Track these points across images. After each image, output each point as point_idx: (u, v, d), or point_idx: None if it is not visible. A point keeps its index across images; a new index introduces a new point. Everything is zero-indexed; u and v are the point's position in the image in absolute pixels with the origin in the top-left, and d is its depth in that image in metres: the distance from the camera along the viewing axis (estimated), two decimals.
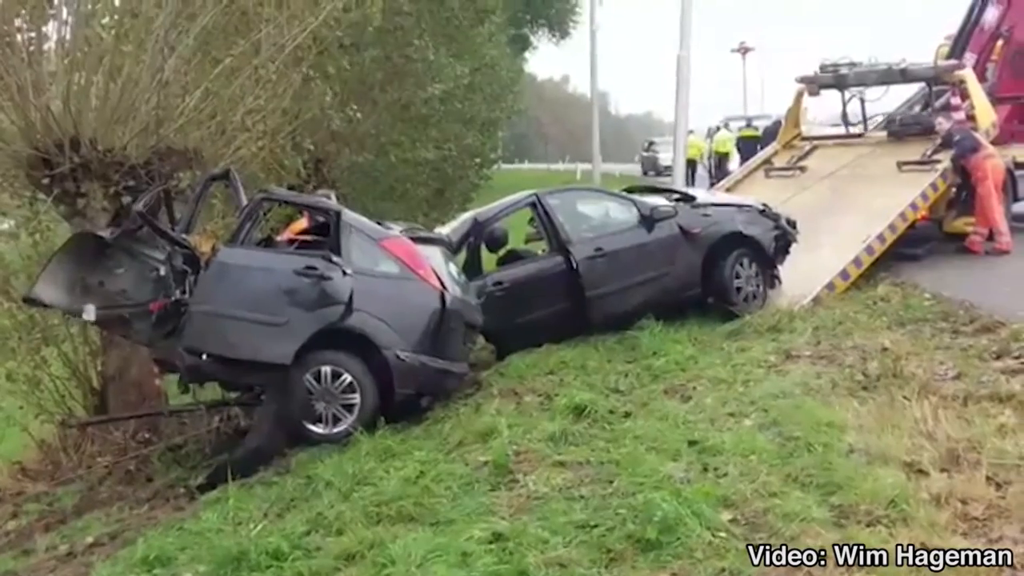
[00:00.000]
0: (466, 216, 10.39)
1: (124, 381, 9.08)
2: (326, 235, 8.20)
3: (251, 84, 9.32)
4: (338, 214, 8.07)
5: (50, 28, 8.75)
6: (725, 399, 7.22)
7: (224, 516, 6.01)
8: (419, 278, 7.98)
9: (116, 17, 8.97)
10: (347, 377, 7.60)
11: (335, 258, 7.74)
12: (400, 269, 7.99)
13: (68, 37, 8.63)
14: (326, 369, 7.58)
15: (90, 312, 7.88)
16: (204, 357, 7.41)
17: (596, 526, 4.97)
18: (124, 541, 6.47)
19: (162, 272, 7.96)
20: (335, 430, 7.57)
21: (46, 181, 8.56)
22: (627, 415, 7.07)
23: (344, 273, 7.66)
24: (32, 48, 8.49)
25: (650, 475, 5.53)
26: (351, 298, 7.60)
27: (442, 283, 8.10)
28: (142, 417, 9.10)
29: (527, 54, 51.17)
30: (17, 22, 8.48)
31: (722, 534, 4.76)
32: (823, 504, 5.02)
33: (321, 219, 8.64)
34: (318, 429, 7.58)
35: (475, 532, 5.01)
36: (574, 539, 4.87)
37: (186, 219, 8.47)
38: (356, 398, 7.61)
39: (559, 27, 50.28)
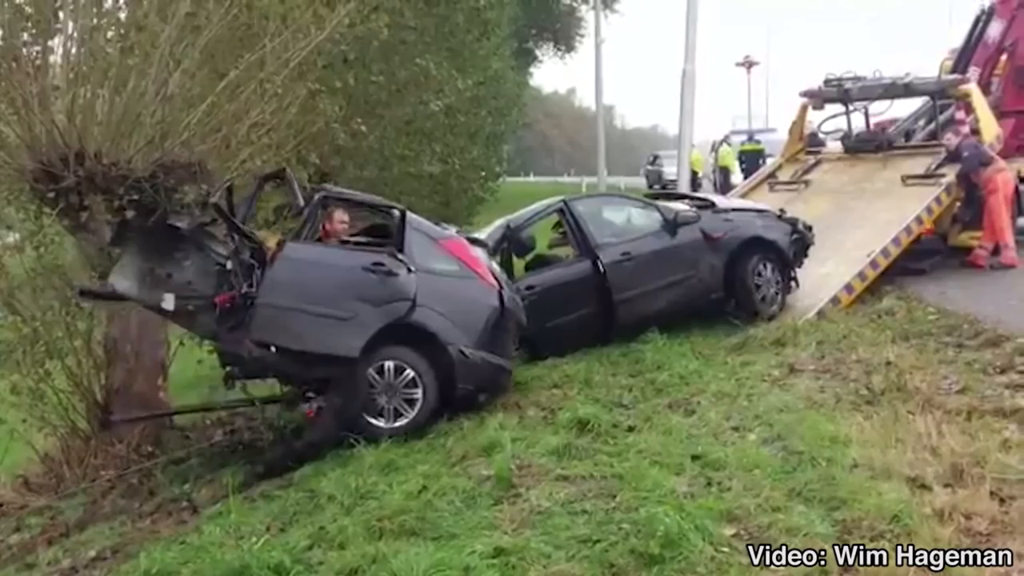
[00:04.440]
0: (499, 223, 10.64)
1: (128, 394, 9.10)
2: (379, 237, 8.44)
3: (256, 98, 9.32)
4: (403, 213, 8.24)
5: (55, 42, 8.77)
6: (729, 413, 7.23)
7: (226, 530, 5.99)
8: (478, 276, 8.25)
9: (121, 31, 8.97)
10: (410, 372, 7.74)
11: (400, 255, 7.90)
12: (459, 268, 8.23)
13: (73, 51, 8.64)
14: (389, 364, 7.71)
15: (169, 301, 7.93)
16: (272, 349, 7.52)
17: (599, 541, 4.96)
18: (126, 555, 6.47)
19: (228, 266, 8.01)
20: (396, 424, 7.69)
21: (51, 194, 8.56)
22: (630, 429, 7.06)
23: (409, 270, 7.84)
24: (38, 62, 8.51)
25: (653, 489, 5.52)
26: (415, 294, 7.78)
27: (499, 282, 8.37)
28: (197, 411, 9.84)
29: (533, 68, 51.30)
30: (23, 36, 8.51)
31: (725, 549, 4.75)
32: (826, 519, 5.02)
33: (381, 220, 8.85)
34: (380, 423, 7.67)
35: (477, 547, 4.99)
36: (577, 554, 4.86)
37: (241, 217, 8.55)
38: (418, 393, 7.74)
39: (564, 41, 50.37)
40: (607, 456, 6.38)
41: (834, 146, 15.81)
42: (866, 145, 14.94)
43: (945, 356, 8.47)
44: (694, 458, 6.15)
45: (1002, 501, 5.15)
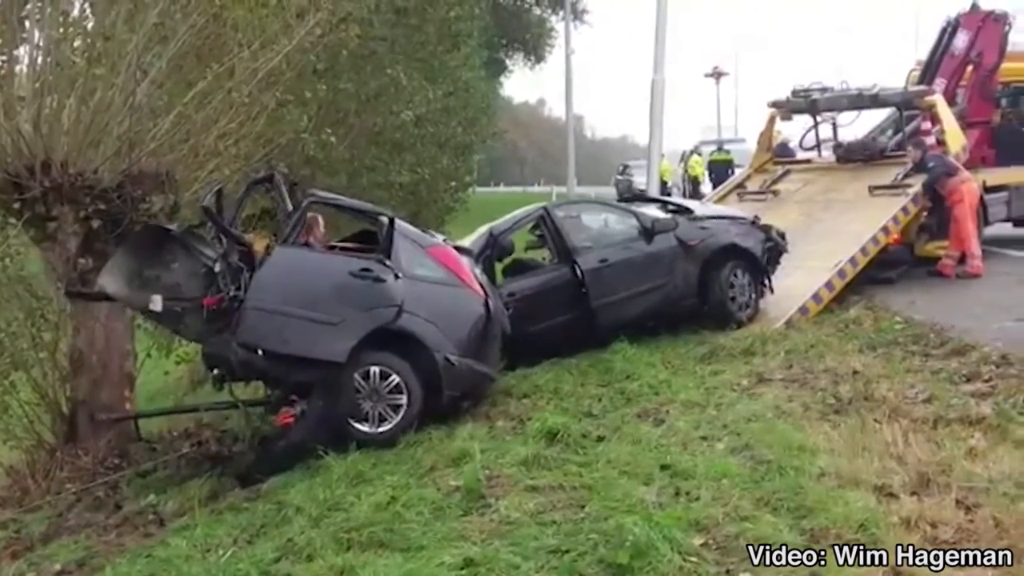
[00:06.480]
0: (482, 230, 10.67)
1: (94, 406, 8.99)
2: (366, 244, 8.47)
3: (224, 108, 9.29)
4: (391, 220, 8.29)
5: (21, 52, 8.71)
6: (698, 422, 7.24)
7: (193, 543, 5.95)
8: (464, 284, 8.32)
9: (88, 40, 8.93)
10: (395, 378, 7.75)
11: (387, 261, 7.94)
12: (446, 276, 8.29)
13: (40, 60, 8.58)
14: (375, 369, 7.72)
15: (157, 303, 7.93)
16: (259, 352, 7.54)
17: (568, 551, 4.95)
18: (92, 568, 6.39)
19: (216, 268, 8.01)
20: (380, 429, 7.70)
21: (17, 205, 8.49)
22: (600, 439, 7.06)
23: (396, 276, 7.87)
24: (3, 71, 8.44)
25: (622, 499, 5.54)
26: (402, 301, 7.81)
27: (484, 290, 8.43)
28: (182, 413, 9.99)
29: (503, 78, 51.38)
30: None
31: (693, 559, 4.75)
32: (794, 528, 5.04)
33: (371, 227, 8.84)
34: (363, 428, 7.68)
35: (446, 558, 4.98)
36: (545, 564, 4.85)
37: (228, 221, 8.51)
38: (403, 399, 7.76)
39: (535, 51, 50.49)
40: (576, 466, 6.38)
41: (819, 156, 15.92)
42: (857, 154, 15.00)
43: (912, 365, 8.53)
44: (663, 468, 6.15)
45: (968, 509, 5.18)
